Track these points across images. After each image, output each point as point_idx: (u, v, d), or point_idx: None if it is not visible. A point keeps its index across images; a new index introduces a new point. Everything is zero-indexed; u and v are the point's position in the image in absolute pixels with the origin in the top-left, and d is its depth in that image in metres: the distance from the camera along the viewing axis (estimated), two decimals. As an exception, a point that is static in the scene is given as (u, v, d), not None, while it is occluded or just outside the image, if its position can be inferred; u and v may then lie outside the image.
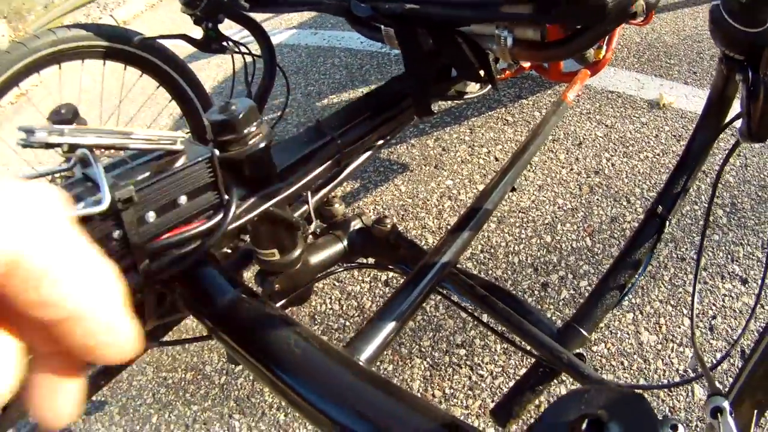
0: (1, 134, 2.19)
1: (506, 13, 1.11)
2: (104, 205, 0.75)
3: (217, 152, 0.90)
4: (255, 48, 1.93)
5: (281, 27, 4.50)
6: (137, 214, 0.82)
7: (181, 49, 2.16)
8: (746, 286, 1.81)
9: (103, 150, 0.83)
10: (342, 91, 3.38)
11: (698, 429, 1.52)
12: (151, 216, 0.85)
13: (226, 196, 0.93)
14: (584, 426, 0.47)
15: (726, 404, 0.82)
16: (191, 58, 2.10)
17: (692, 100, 2.61)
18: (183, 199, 0.88)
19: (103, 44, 1.96)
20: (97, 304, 0.35)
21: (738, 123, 1.16)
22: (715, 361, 1.24)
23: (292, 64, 3.86)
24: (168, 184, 0.85)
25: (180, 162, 0.87)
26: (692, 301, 1.07)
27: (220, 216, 0.92)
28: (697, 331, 1.71)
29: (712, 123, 1.32)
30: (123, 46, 2.00)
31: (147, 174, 0.85)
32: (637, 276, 1.25)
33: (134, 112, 3.10)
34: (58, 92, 2.16)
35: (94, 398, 1.98)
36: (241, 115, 0.96)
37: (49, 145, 0.74)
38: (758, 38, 1.03)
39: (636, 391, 0.59)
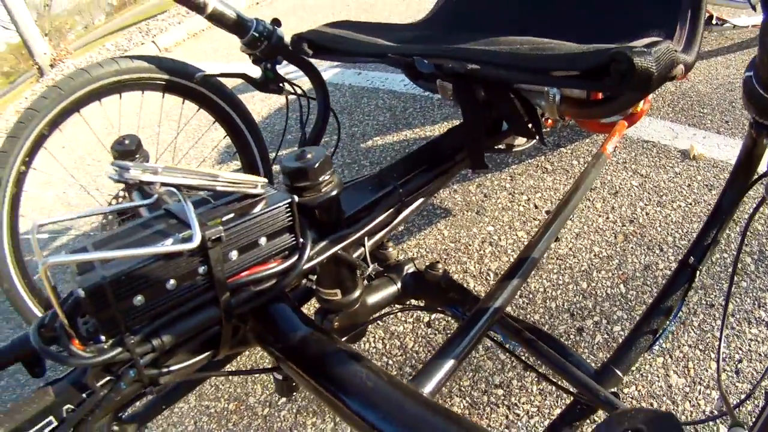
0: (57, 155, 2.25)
1: (559, 78, 1.18)
2: (195, 243, 0.82)
3: (296, 198, 0.97)
4: (306, 87, 2.00)
5: (325, 65, 4.56)
6: (222, 252, 0.89)
7: (227, 83, 2.23)
8: (773, 332, 1.85)
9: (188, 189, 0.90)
10: (386, 133, 3.44)
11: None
12: (233, 254, 0.92)
13: (302, 239, 1.00)
14: None
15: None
16: (236, 91, 2.17)
17: (724, 149, 2.64)
18: (263, 240, 0.95)
19: (164, 77, 2.03)
20: None
21: (765, 180, 1.22)
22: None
23: (337, 104, 3.93)
24: (252, 225, 0.92)
25: (261, 205, 0.94)
26: (719, 343, 1.13)
27: (296, 257, 0.98)
28: (723, 375, 1.74)
29: (740, 180, 1.39)
30: (184, 81, 2.07)
31: (232, 215, 0.91)
32: (669, 322, 1.32)
33: (183, 144, 3.18)
34: (112, 120, 2.22)
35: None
36: (316, 164, 1.03)
37: (142, 183, 0.82)
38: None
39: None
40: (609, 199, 2.52)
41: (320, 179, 1.05)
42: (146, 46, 6.86)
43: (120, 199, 2.09)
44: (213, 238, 0.84)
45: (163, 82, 2.04)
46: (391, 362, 2.05)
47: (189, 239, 0.82)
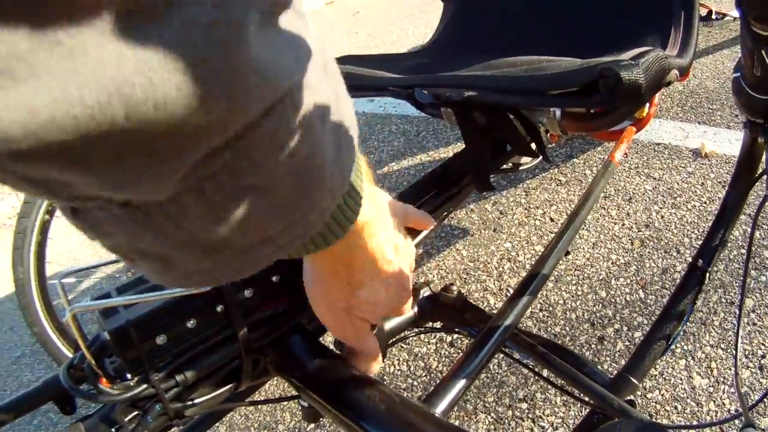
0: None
1: (553, 97, 1.21)
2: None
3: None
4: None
5: (337, 94, 4.54)
6: (237, 291, 0.93)
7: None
8: (796, 326, 1.86)
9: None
10: (401, 158, 3.46)
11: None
12: (249, 292, 0.96)
13: (315, 275, 1.04)
14: None
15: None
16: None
17: (735, 144, 2.64)
18: (275, 278, 0.99)
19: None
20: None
21: (765, 178, 1.25)
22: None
23: (351, 133, 3.91)
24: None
25: None
26: (736, 340, 1.15)
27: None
28: (746, 371, 1.76)
29: (743, 179, 1.42)
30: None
31: None
32: (681, 326, 1.34)
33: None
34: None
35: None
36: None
37: None
38: (774, 104, 1.13)
39: (656, 422, 0.66)
40: (624, 206, 2.54)
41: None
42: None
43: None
44: None
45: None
46: (416, 383, 2.09)
47: None
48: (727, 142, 2.69)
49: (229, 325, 0.94)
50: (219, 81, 0.31)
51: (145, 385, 0.87)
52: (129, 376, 0.87)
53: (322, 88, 0.43)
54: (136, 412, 0.91)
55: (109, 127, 0.28)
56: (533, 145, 1.45)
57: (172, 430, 1.01)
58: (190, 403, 0.95)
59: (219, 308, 0.92)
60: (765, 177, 1.25)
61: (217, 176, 0.37)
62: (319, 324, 1.28)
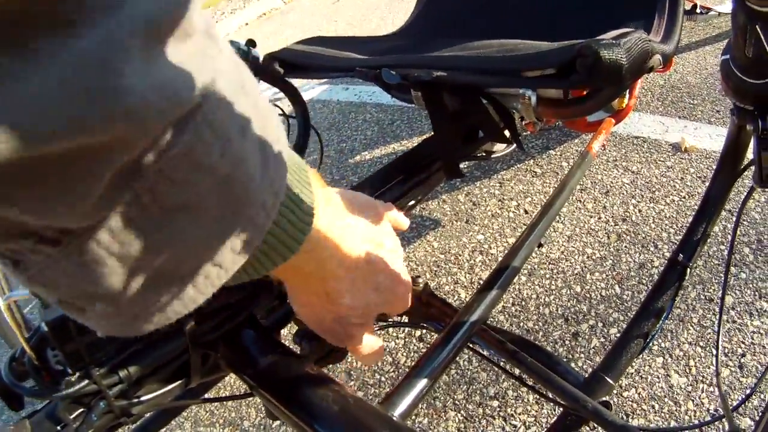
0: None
1: (528, 78, 1.16)
2: None
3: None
4: (288, 106, 1.98)
5: (312, 83, 4.57)
6: None
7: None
8: (776, 323, 1.82)
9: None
10: (374, 147, 3.43)
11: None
12: None
13: (270, 262, 0.98)
14: None
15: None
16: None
17: (716, 139, 2.62)
18: None
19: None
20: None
21: (752, 170, 1.19)
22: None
23: (325, 120, 3.92)
24: None
25: None
26: (717, 340, 1.10)
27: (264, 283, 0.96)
28: (726, 370, 1.72)
29: (728, 170, 1.36)
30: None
31: None
32: (660, 323, 1.28)
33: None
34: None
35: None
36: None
37: None
38: (766, 89, 1.07)
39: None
40: (600, 199, 2.50)
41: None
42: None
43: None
44: None
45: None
46: (383, 379, 2.04)
47: None
48: (708, 137, 2.66)
49: None
50: (107, 102, 0.31)
51: (86, 381, 0.82)
52: (70, 371, 0.82)
53: (240, 104, 0.43)
54: (81, 410, 0.86)
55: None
56: (506, 133, 1.39)
57: (127, 428, 0.97)
58: (136, 400, 0.90)
59: None
60: (752, 168, 1.19)
61: (141, 198, 0.38)
62: (275, 319, 1.22)
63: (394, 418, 0.85)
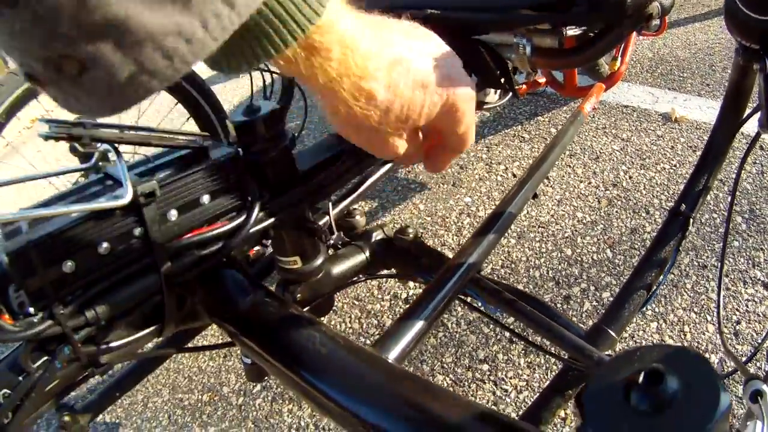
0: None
1: (525, 16, 1.09)
2: (126, 199, 0.74)
3: (241, 152, 0.89)
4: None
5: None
6: (159, 211, 0.81)
7: (198, 71, 2.15)
8: (769, 289, 1.80)
9: (126, 152, 0.82)
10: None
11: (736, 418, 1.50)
12: (173, 214, 0.83)
13: (249, 198, 0.92)
14: (641, 379, 0.44)
15: (765, 387, 0.79)
16: (207, 82, 2.12)
17: (706, 111, 2.61)
18: (206, 199, 0.86)
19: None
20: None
21: (758, 115, 1.13)
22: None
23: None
24: (191, 181, 0.84)
25: (202, 161, 0.86)
26: (718, 298, 1.04)
27: (243, 217, 0.90)
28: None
29: (731, 118, 1.30)
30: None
31: (169, 171, 0.83)
32: (663, 275, 1.23)
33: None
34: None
35: (108, 419, 1.96)
36: (265, 117, 0.95)
37: (71, 137, 0.73)
38: (774, 26, 1.01)
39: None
40: (590, 165, 2.46)
41: (270, 134, 0.96)
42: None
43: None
44: (146, 193, 0.77)
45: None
46: (368, 341, 1.99)
47: (122, 196, 0.74)
48: (698, 108, 2.64)
49: (148, 251, 0.82)
50: None
51: (49, 322, 0.75)
52: (32, 310, 0.75)
53: None
54: (45, 358, 0.80)
55: None
56: (501, 80, 1.33)
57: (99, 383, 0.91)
58: (104, 347, 0.84)
59: (137, 231, 0.79)
60: (759, 114, 1.13)
61: None
62: (258, 256, 1.16)
63: (389, 361, 0.80)
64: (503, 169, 2.58)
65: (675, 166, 2.34)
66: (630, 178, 2.34)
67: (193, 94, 2.12)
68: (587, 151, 2.54)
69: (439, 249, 2.20)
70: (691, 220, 1.25)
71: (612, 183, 2.33)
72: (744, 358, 1.58)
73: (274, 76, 1.90)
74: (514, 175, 2.52)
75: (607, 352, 1.14)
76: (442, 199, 2.51)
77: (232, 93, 4.20)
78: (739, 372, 0.95)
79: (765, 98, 1.07)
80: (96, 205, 0.74)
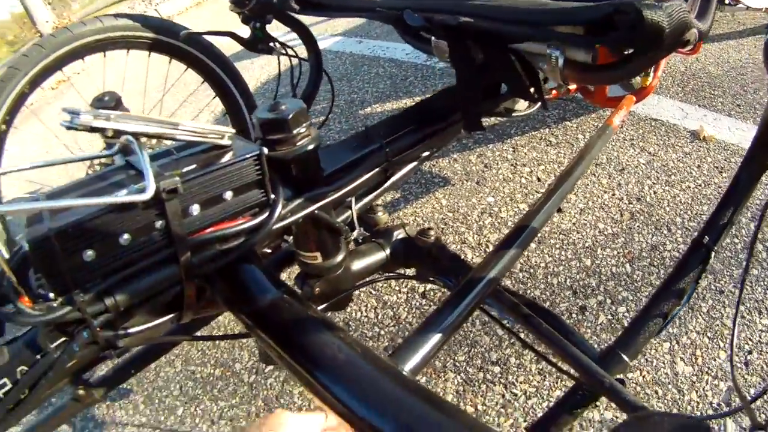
0: (42, 118, 2.19)
1: (561, 33, 1.09)
2: (148, 194, 0.75)
3: (265, 150, 0.90)
4: (301, 51, 1.91)
5: (326, 33, 4.52)
6: (182, 206, 0.83)
7: (225, 48, 2.16)
8: (785, 322, 1.78)
9: (148, 139, 0.83)
10: (385, 100, 3.38)
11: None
12: (195, 209, 0.85)
13: (273, 195, 0.93)
14: None
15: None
16: (235, 58, 2.13)
17: (735, 132, 2.58)
18: (228, 195, 0.88)
19: (149, 36, 1.97)
20: None
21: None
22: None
23: (336, 71, 3.87)
24: (214, 178, 0.86)
25: (227, 157, 0.87)
26: (732, 334, 1.04)
27: (266, 215, 0.91)
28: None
29: (760, 156, 1.29)
30: (169, 39, 2.01)
31: (193, 166, 0.84)
32: (681, 305, 1.23)
33: (176, 107, 3.13)
34: (101, 80, 2.16)
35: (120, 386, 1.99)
36: (290, 115, 0.95)
37: (93, 129, 0.74)
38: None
39: (701, 420, 0.56)
40: (615, 176, 2.45)
41: (294, 132, 0.97)
42: (149, 14, 6.79)
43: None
44: (168, 189, 0.78)
45: (149, 41, 1.99)
46: (383, 332, 2.00)
47: (144, 190, 0.75)
48: (727, 129, 2.61)
49: (169, 244, 0.84)
50: None
51: (69, 308, 0.77)
52: (52, 295, 0.77)
53: None
54: (63, 339, 0.82)
55: None
56: (531, 90, 1.32)
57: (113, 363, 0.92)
58: (123, 332, 0.86)
59: (158, 224, 0.81)
60: None
61: None
62: (280, 255, 1.16)
63: (405, 373, 0.80)
64: (528, 171, 2.57)
65: (700, 185, 2.32)
66: (654, 193, 2.32)
67: (221, 75, 2.13)
68: (613, 161, 2.52)
69: (459, 247, 2.20)
70: (713, 253, 1.24)
71: (636, 197, 2.32)
72: (751, 393, 1.56)
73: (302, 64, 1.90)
74: (539, 179, 2.51)
75: (618, 376, 1.14)
76: (465, 197, 2.50)
77: (260, 70, 4.21)
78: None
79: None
80: (118, 199, 0.75)
